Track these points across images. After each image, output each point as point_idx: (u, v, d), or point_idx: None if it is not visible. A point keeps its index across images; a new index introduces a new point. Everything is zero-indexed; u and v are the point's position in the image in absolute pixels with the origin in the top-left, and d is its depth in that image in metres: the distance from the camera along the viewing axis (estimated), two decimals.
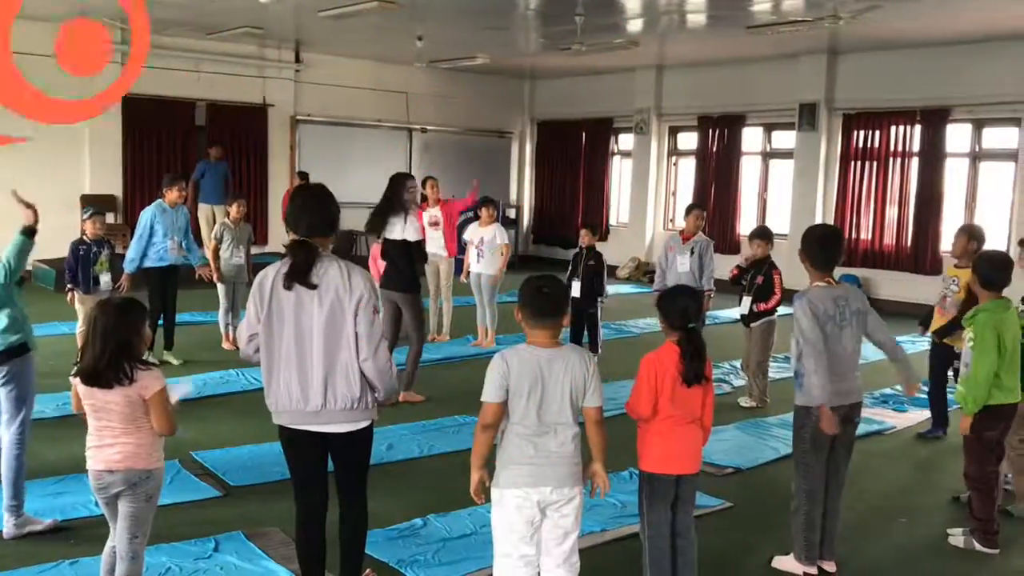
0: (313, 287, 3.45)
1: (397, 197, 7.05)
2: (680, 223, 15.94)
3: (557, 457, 3.33)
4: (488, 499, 3.43)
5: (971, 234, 6.43)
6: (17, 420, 4.49)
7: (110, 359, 3.34)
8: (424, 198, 9.91)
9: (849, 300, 4.34)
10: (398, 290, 7.05)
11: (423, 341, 7.38)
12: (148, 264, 8.25)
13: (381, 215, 7.10)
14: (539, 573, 3.43)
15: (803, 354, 4.23)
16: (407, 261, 7.02)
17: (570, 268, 8.50)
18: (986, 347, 4.56)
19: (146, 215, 8.24)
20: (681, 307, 3.82)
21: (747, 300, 7.43)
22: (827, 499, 4.36)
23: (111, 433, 3.43)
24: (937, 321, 6.45)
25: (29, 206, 4.63)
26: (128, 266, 8.14)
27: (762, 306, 7.31)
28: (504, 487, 3.35)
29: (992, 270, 4.73)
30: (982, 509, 4.76)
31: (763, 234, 7.59)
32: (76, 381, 3.44)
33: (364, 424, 3.62)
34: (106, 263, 7.73)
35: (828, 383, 4.14)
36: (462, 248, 10.06)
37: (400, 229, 7.01)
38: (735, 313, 7.83)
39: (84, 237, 7.76)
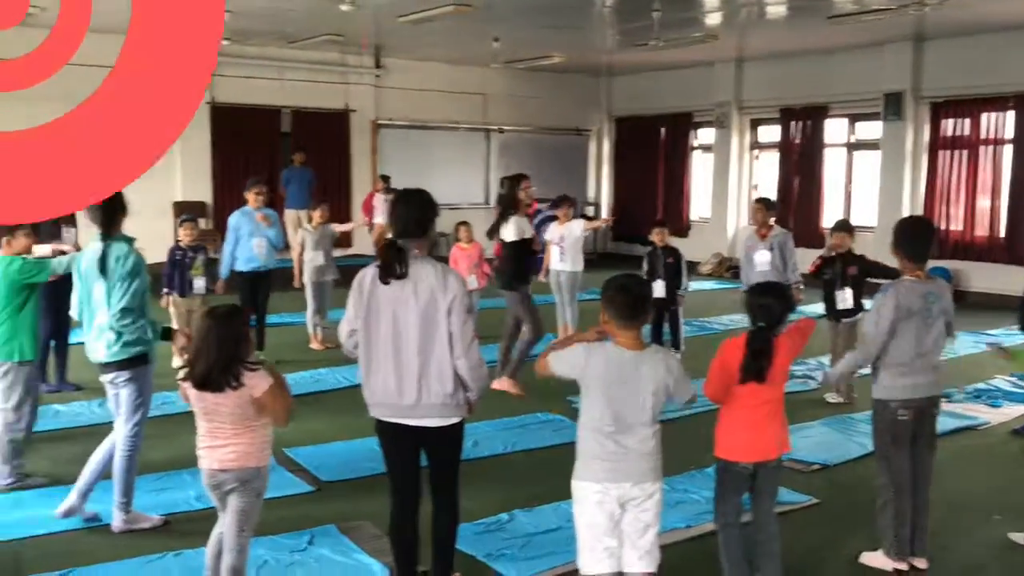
0: (401, 277, 3.56)
1: (511, 197, 7.32)
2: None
3: (637, 454, 3.36)
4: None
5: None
6: (132, 421, 4.67)
7: (224, 365, 3.50)
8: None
9: (939, 297, 4.28)
10: (501, 287, 7.51)
11: (537, 333, 7.50)
12: (238, 268, 8.54)
13: (501, 217, 7.45)
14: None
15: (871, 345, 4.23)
16: (508, 260, 7.39)
17: (648, 267, 8.46)
18: None
19: (233, 219, 8.55)
20: (760, 305, 3.85)
21: (844, 293, 7.23)
22: (915, 493, 4.30)
23: (223, 434, 3.58)
24: None
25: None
26: (222, 271, 8.45)
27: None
28: (584, 480, 3.41)
29: None
30: None
31: (844, 226, 7.45)
32: (187, 385, 3.59)
33: (455, 420, 3.70)
34: (201, 268, 8.03)
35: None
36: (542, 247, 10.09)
37: (506, 230, 7.33)
38: (821, 308, 7.68)
39: (180, 243, 8.09)
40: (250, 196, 8.57)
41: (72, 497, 4.74)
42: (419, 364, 3.58)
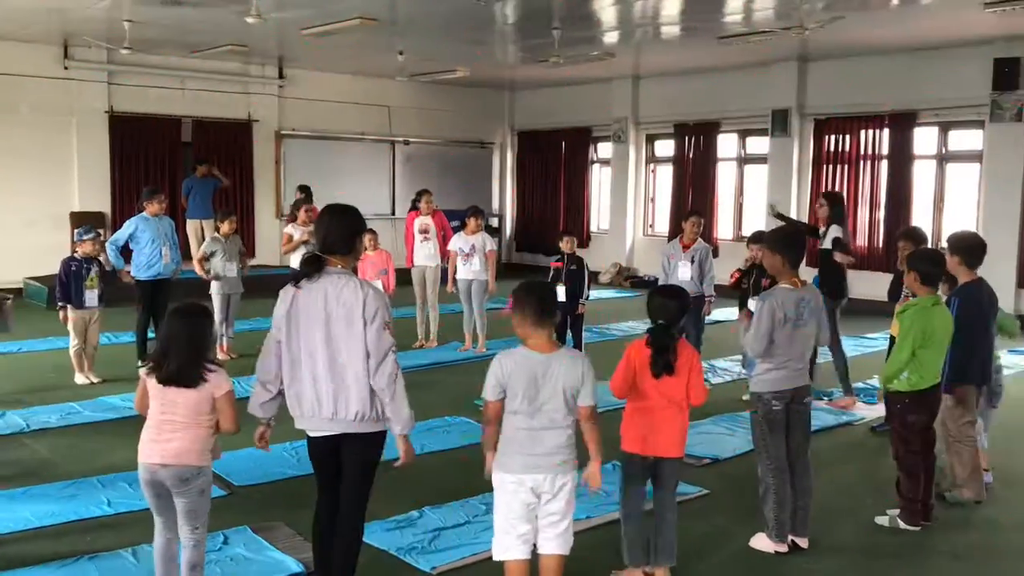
0: (304, 284, 3.66)
1: None
2: (660, 229, 16.33)
3: (552, 448, 3.62)
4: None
5: (911, 237, 6.88)
6: None
7: (193, 361, 3.63)
8: (415, 207, 10.28)
9: (809, 301, 4.66)
10: None
11: None
12: (139, 276, 8.55)
13: None
14: (535, 547, 3.72)
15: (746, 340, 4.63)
16: None
17: (553, 273, 8.80)
18: (907, 338, 4.93)
19: (130, 222, 8.59)
20: (656, 304, 4.20)
21: (753, 302, 7.57)
22: (795, 478, 4.67)
23: (171, 428, 3.66)
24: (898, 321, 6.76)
25: None
26: (116, 262, 8.48)
27: None
28: (503, 472, 3.66)
29: (932, 267, 5.12)
30: (908, 490, 5.09)
31: (760, 238, 7.76)
32: (150, 381, 3.68)
33: (375, 429, 3.74)
34: (96, 280, 7.95)
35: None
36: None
37: None
38: (735, 314, 8.08)
39: (75, 254, 7.99)
40: (154, 205, 8.59)
41: None
42: (337, 379, 3.64)
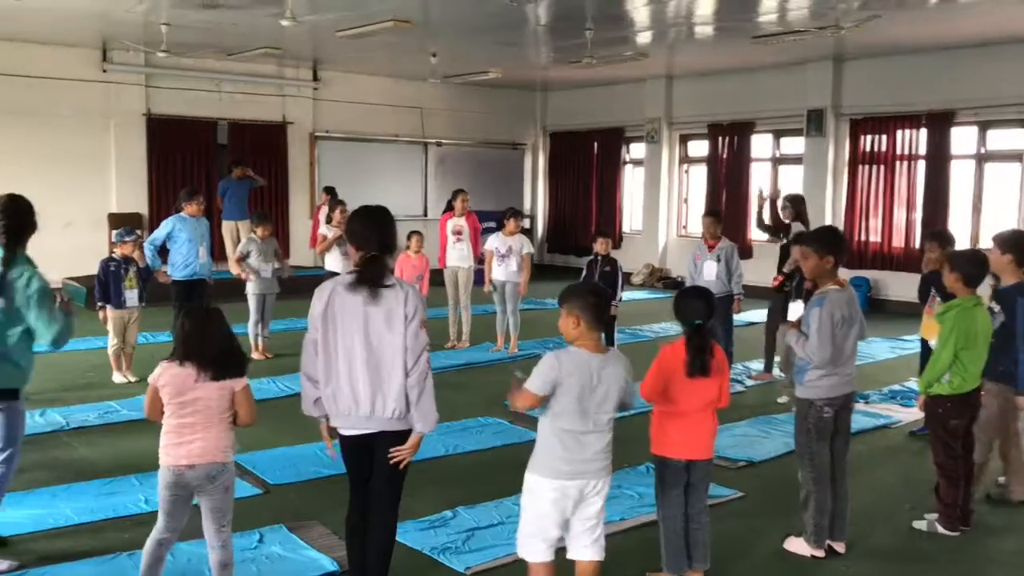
0: (377, 293, 3.66)
1: None
2: (693, 229, 16.25)
3: (596, 453, 3.59)
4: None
5: (939, 238, 6.79)
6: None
7: (231, 354, 3.73)
8: (450, 207, 10.33)
9: (855, 300, 4.63)
10: None
11: None
12: (175, 275, 8.66)
13: None
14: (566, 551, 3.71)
15: (809, 350, 4.49)
16: None
17: (585, 274, 8.79)
18: (950, 340, 4.84)
19: (167, 222, 8.69)
20: (690, 306, 4.15)
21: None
22: (835, 484, 4.62)
23: (191, 429, 3.69)
24: (928, 325, 6.64)
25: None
26: (153, 261, 8.57)
27: None
28: (543, 476, 3.58)
29: (975, 268, 5.00)
30: (948, 495, 5.01)
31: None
32: (162, 383, 3.68)
33: (405, 427, 3.76)
34: (134, 280, 8.05)
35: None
36: (480, 259, 10.35)
37: None
38: (762, 316, 8.01)
39: (113, 255, 8.09)
40: (193, 206, 8.70)
41: None
42: (375, 377, 3.66)
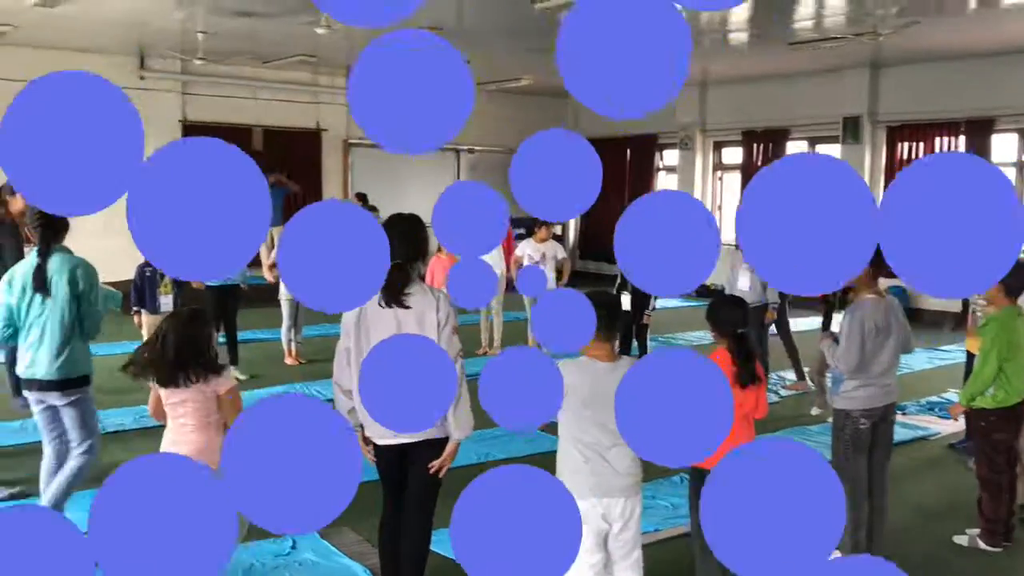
0: (406, 307, 3.67)
1: None
2: (727, 237, 16.12)
3: (623, 468, 3.47)
4: None
5: None
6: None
7: (182, 362, 3.70)
8: None
9: (897, 310, 4.54)
10: None
11: None
12: (208, 281, 8.71)
13: None
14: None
15: (837, 355, 4.44)
16: None
17: (619, 281, 8.74)
18: (992, 352, 4.75)
19: None
20: (727, 316, 4.10)
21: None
22: (872, 498, 4.55)
23: (184, 430, 3.76)
24: (970, 345, 6.52)
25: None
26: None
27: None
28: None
29: (1016, 278, 4.84)
30: (991, 510, 4.91)
31: None
32: (155, 385, 3.78)
33: (440, 435, 3.77)
34: (169, 285, 8.11)
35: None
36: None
37: None
38: (801, 326, 7.94)
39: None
40: None
41: None
42: None
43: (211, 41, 11.36)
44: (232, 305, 8.65)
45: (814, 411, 7.68)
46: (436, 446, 3.77)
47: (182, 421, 3.77)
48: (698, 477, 4.11)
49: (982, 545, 4.91)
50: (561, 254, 9.68)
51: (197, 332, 3.80)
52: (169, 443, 3.83)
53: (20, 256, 4.55)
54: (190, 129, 14.12)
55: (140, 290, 8.05)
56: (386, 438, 3.77)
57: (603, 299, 3.66)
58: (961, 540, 5.00)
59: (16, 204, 7.03)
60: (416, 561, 3.86)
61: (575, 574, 3.52)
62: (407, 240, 3.81)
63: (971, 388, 4.85)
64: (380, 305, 3.69)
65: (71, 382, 4.61)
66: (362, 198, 13.27)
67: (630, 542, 3.56)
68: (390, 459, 3.82)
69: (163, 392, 3.78)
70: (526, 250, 9.66)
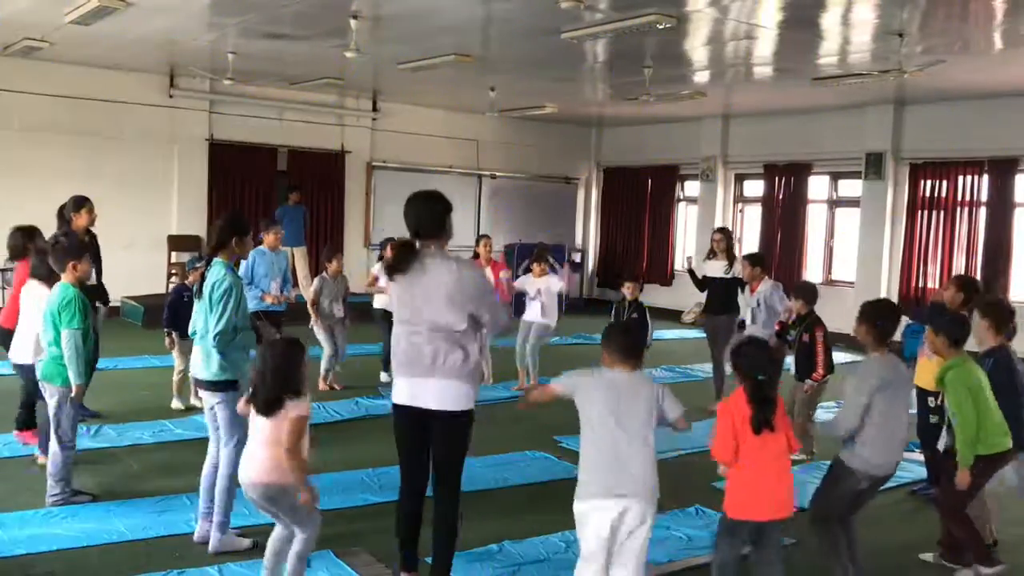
0: (403, 272, 4.01)
1: None
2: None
3: (641, 471, 3.61)
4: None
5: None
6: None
7: (278, 395, 3.89)
8: (476, 255, 9.91)
9: (903, 371, 4.51)
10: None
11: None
12: (252, 308, 8.70)
13: None
14: None
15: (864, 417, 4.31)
16: None
17: (613, 317, 8.50)
18: (966, 399, 4.68)
19: (248, 258, 8.66)
20: (748, 359, 4.01)
21: (793, 358, 7.31)
22: (852, 552, 4.50)
23: (259, 448, 3.95)
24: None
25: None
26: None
27: (813, 377, 7.08)
28: (584, 499, 3.63)
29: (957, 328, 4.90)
30: (970, 535, 4.84)
31: (800, 291, 7.38)
32: (248, 405, 4.04)
33: (463, 408, 3.99)
34: None
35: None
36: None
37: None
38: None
39: (187, 283, 7.87)
40: (271, 237, 8.76)
41: (203, 524, 4.97)
42: (434, 343, 3.93)
43: (240, 62, 11.50)
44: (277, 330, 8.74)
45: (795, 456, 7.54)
46: (456, 419, 3.99)
47: (259, 440, 3.95)
48: (733, 526, 4.00)
49: (985, 571, 4.82)
50: (556, 287, 9.54)
51: (292, 362, 3.96)
52: (245, 459, 4.04)
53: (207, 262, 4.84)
54: (216, 148, 14.28)
55: (174, 312, 7.76)
56: (413, 398, 3.98)
57: (629, 327, 3.88)
58: (927, 557, 5.08)
59: (80, 220, 7.38)
60: (447, 532, 4.08)
61: (586, 570, 3.61)
62: (414, 215, 4.16)
63: (962, 446, 4.65)
64: (388, 277, 4.05)
65: None
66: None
67: (636, 551, 3.61)
68: (412, 423, 4.04)
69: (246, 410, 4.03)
70: (523, 285, 9.61)
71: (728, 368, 6.26)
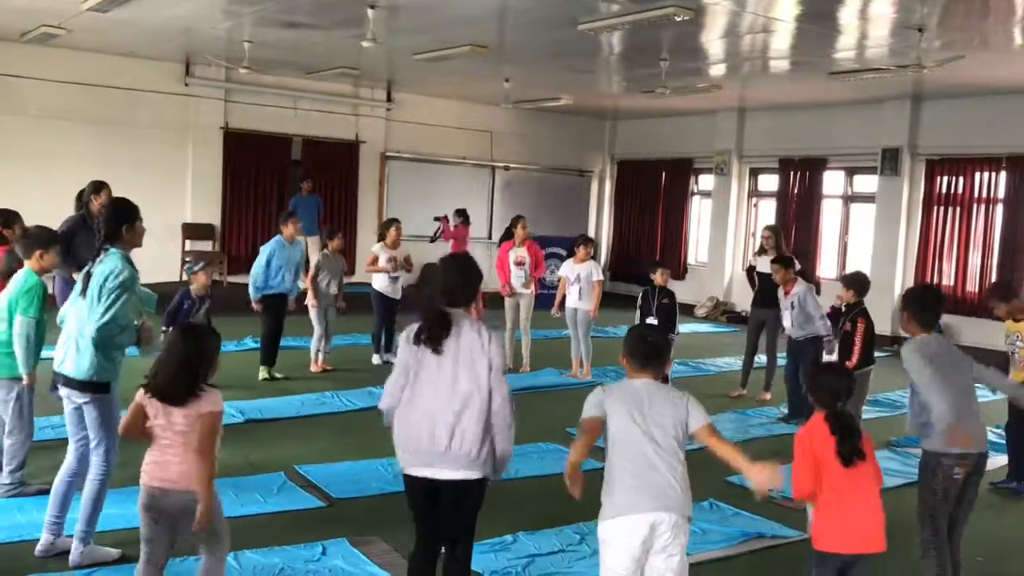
0: (440, 352, 3.74)
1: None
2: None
3: (672, 479, 3.38)
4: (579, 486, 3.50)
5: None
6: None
7: (182, 378, 3.57)
8: (510, 235, 10.37)
9: (952, 348, 4.53)
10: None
11: None
12: (266, 292, 8.84)
13: None
14: None
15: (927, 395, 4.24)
16: None
17: (641, 305, 8.73)
18: None
19: (266, 249, 8.80)
20: (831, 385, 3.80)
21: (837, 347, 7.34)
22: (952, 552, 4.36)
23: (173, 451, 3.59)
24: (1017, 377, 6.36)
25: None
26: (254, 295, 8.76)
27: (847, 365, 6.93)
28: (611, 517, 3.40)
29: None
30: None
31: (851, 281, 7.49)
32: (145, 399, 3.63)
33: (477, 475, 3.78)
34: (204, 318, 7.88)
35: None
36: (544, 283, 10.36)
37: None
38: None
39: (190, 290, 7.83)
40: (289, 229, 8.87)
41: (47, 536, 4.61)
42: (454, 416, 3.69)
43: (256, 50, 11.51)
44: (282, 312, 8.92)
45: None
46: (468, 487, 3.76)
47: (168, 440, 3.60)
48: (821, 561, 3.73)
49: None
50: (596, 275, 9.69)
51: (203, 348, 3.67)
52: (153, 464, 3.64)
53: (97, 253, 4.63)
54: (230, 136, 14.31)
55: (174, 316, 7.72)
56: (425, 468, 3.76)
57: (648, 334, 3.76)
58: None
59: (98, 201, 7.52)
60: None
61: None
62: (448, 282, 3.87)
63: None
64: (429, 349, 3.76)
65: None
66: (461, 215, 13.74)
67: (673, 569, 3.37)
68: (424, 494, 3.80)
69: (153, 408, 3.61)
70: (565, 270, 9.78)
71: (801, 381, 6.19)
